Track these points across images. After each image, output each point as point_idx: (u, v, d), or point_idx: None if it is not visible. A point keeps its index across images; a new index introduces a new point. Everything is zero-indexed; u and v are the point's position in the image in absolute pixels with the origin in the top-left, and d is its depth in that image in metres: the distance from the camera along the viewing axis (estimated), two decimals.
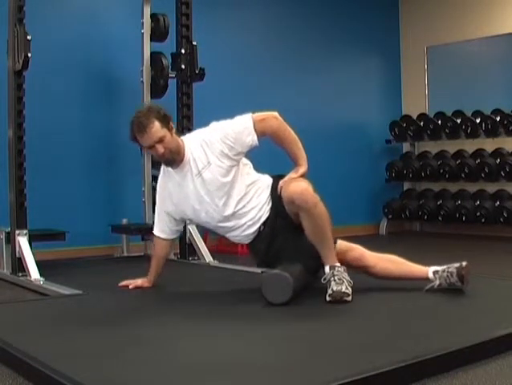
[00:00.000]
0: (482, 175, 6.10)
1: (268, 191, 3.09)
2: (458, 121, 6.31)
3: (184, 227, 4.38)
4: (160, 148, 2.97)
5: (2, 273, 3.99)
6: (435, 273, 2.98)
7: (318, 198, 2.88)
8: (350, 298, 2.82)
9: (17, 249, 3.81)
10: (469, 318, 2.61)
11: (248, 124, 2.98)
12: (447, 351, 2.06)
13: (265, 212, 3.06)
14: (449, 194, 6.50)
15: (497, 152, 6.17)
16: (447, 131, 6.41)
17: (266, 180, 3.13)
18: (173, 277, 3.67)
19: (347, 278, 2.85)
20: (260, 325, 2.55)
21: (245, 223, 3.07)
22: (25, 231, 3.83)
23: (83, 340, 2.33)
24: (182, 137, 3.12)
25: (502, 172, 5.99)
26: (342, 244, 3.05)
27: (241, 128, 2.99)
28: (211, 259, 4.40)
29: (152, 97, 4.83)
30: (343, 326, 2.52)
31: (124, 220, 4.89)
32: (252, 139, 2.98)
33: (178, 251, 4.61)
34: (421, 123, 6.64)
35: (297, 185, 2.89)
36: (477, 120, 6.16)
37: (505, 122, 5.96)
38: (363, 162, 6.81)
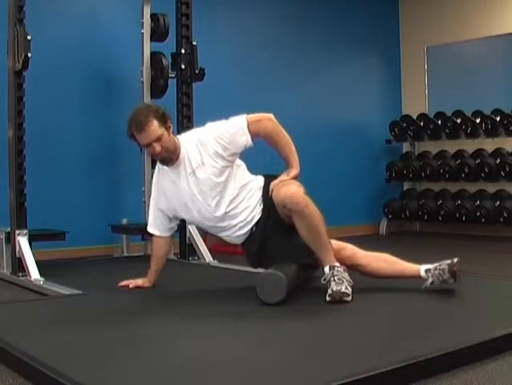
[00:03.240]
0: (482, 175, 6.10)
1: (260, 192, 3.11)
2: (458, 121, 6.30)
3: (185, 227, 4.39)
4: (158, 147, 3.00)
5: (2, 273, 3.99)
6: (427, 271, 2.99)
7: (309, 199, 2.89)
8: (350, 298, 2.82)
9: (17, 249, 3.81)
10: (469, 318, 2.60)
11: (242, 125, 3.00)
12: (447, 351, 2.06)
13: (257, 214, 3.08)
14: (449, 194, 6.50)
15: (497, 152, 6.17)
16: (447, 131, 6.41)
17: (259, 182, 3.16)
18: (173, 277, 3.67)
19: (347, 278, 2.85)
20: (260, 325, 2.55)
21: (237, 224, 3.09)
22: (25, 231, 3.83)
23: (82, 340, 2.33)
24: (178, 136, 3.15)
25: (502, 172, 5.99)
26: (333, 243, 3.04)
27: (235, 129, 3.01)
28: (211, 259, 4.40)
29: (152, 97, 4.82)
30: (343, 326, 2.52)
31: (124, 220, 4.90)
32: (246, 139, 3.01)
33: (178, 251, 4.61)
34: (421, 123, 6.64)
35: (288, 188, 2.91)
36: (477, 120, 6.16)
37: (505, 122, 5.96)
38: (363, 162, 6.80)
